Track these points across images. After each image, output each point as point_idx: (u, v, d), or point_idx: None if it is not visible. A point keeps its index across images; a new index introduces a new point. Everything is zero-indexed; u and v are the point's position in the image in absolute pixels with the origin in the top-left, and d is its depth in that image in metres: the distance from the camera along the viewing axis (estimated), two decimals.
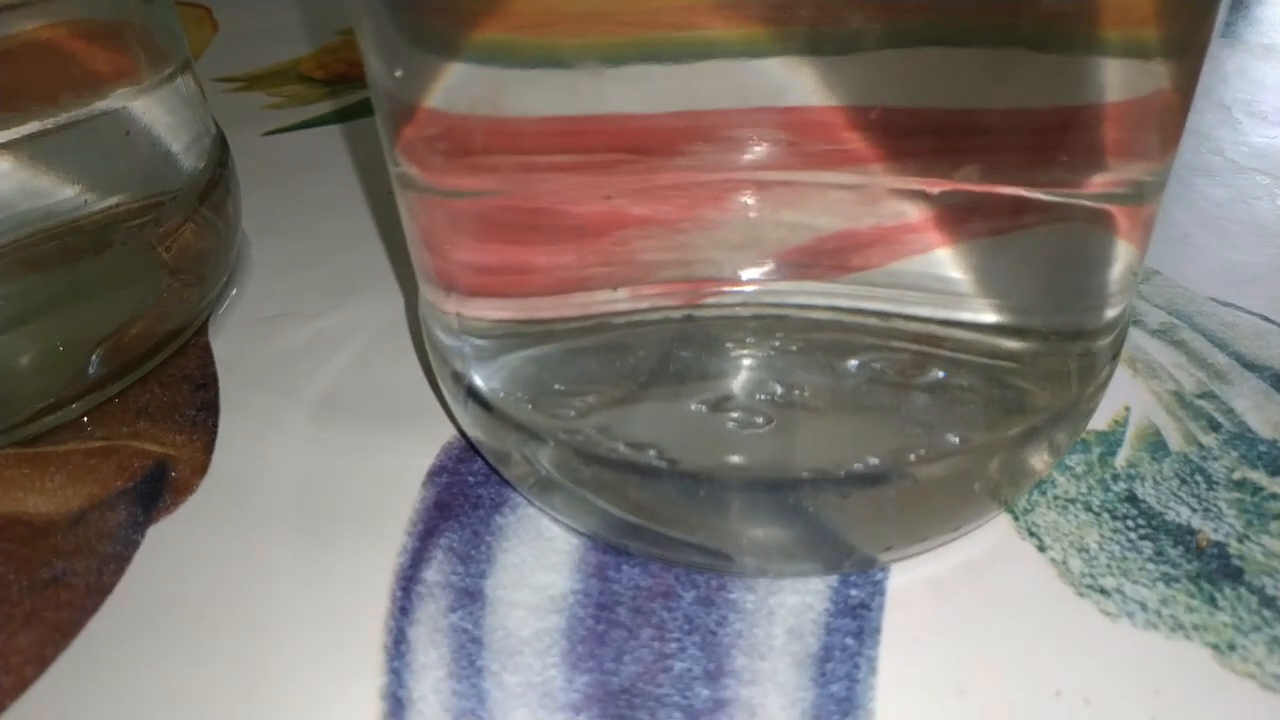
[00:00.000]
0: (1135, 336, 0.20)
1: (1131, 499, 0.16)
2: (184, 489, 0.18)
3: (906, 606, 0.15)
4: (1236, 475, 0.17)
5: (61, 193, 0.18)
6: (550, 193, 0.13)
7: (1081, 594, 0.15)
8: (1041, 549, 0.16)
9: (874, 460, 0.14)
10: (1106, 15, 0.12)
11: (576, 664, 0.14)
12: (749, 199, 0.12)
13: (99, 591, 0.16)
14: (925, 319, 0.14)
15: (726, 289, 0.13)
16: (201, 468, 0.18)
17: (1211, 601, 0.15)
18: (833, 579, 0.15)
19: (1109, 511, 0.16)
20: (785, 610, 0.15)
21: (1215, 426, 0.18)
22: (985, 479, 0.15)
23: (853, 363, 0.14)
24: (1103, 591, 0.15)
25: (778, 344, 0.14)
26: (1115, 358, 0.16)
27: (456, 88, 0.13)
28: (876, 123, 0.12)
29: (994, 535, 0.16)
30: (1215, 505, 0.16)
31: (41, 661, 0.15)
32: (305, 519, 0.17)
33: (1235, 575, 0.15)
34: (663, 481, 0.14)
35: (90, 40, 0.19)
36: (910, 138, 0.12)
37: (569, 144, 0.13)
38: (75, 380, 0.19)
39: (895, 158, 0.12)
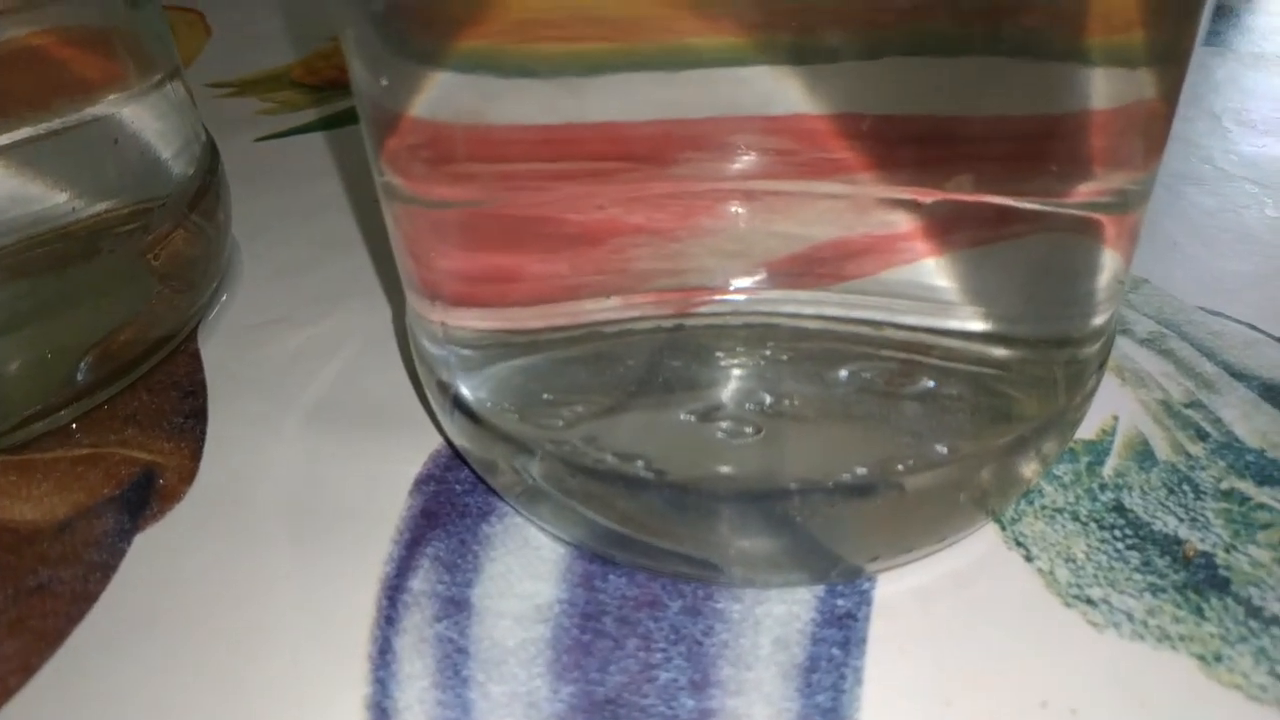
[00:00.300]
0: (1124, 345, 0.20)
1: (1119, 509, 0.16)
2: (171, 497, 0.18)
3: (893, 617, 0.15)
4: (1224, 485, 0.17)
5: (50, 199, 0.18)
6: (539, 202, 0.13)
7: (1068, 604, 0.15)
8: (1029, 559, 0.16)
9: (862, 470, 0.14)
10: (1090, 23, 0.12)
11: (562, 674, 0.14)
12: (741, 208, 0.12)
13: (84, 600, 0.16)
14: (914, 327, 0.14)
15: (718, 298, 0.13)
16: (189, 475, 0.18)
17: (1198, 612, 0.15)
18: (819, 589, 0.15)
19: (1096, 521, 0.16)
20: (772, 620, 0.15)
21: (1203, 436, 0.18)
22: (973, 489, 0.15)
23: (842, 372, 0.14)
24: (1089, 602, 0.15)
25: (768, 353, 0.14)
26: (1102, 366, 0.16)
27: (441, 96, 0.13)
28: (868, 132, 0.12)
29: (981, 545, 0.16)
30: (1202, 515, 0.16)
31: (26, 670, 0.15)
32: (292, 527, 0.17)
33: (1222, 585, 0.15)
34: (650, 492, 0.14)
35: (78, 47, 0.19)
36: (901, 147, 0.12)
37: (558, 153, 0.13)
38: (63, 387, 0.19)
39: (886, 167, 0.12)
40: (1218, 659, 0.14)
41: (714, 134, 0.12)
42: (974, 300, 0.14)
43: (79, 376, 0.19)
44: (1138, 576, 0.15)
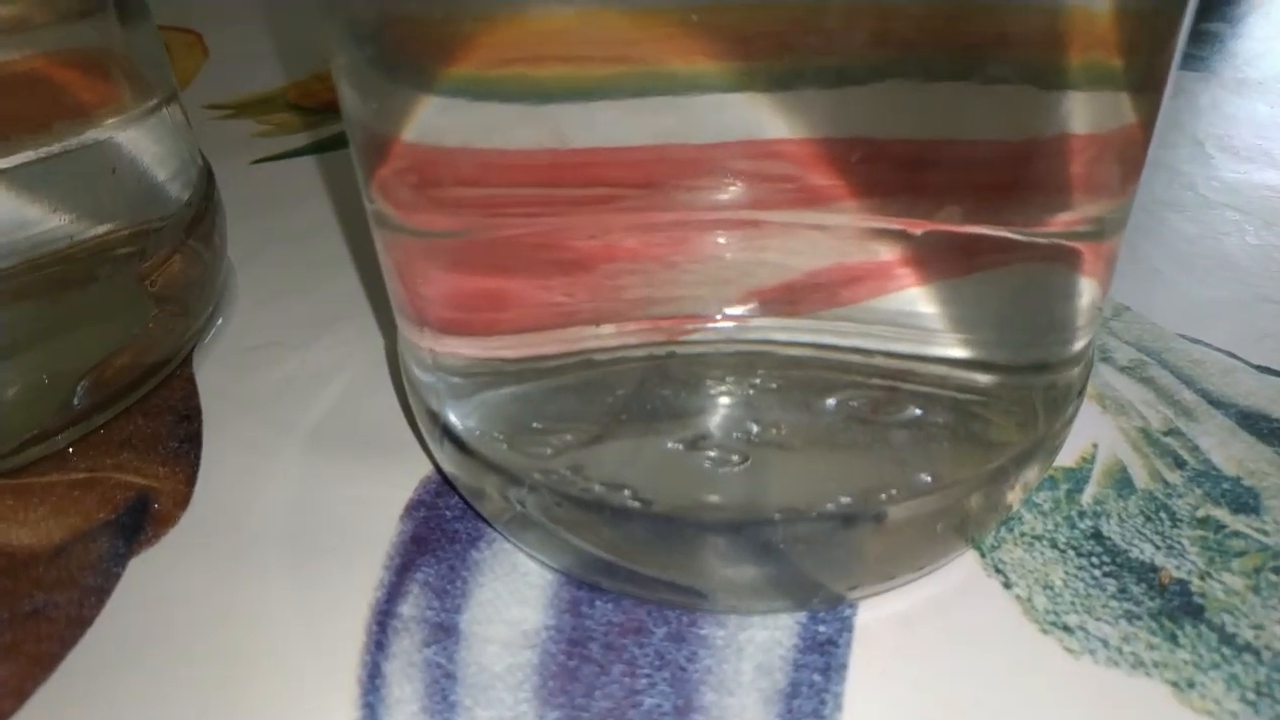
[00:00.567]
0: (1104, 373, 0.21)
1: (1097, 536, 0.17)
2: (165, 521, 0.18)
3: (873, 643, 0.15)
4: (1200, 513, 0.17)
5: (48, 223, 0.18)
6: (529, 229, 0.13)
7: (1045, 631, 0.15)
8: (1007, 586, 0.16)
9: (846, 500, 0.14)
10: (1069, 50, 0.12)
11: (548, 699, 0.14)
12: (732, 237, 0.13)
13: (79, 624, 0.16)
14: (902, 355, 0.14)
15: (708, 325, 0.14)
16: (183, 500, 0.18)
17: (1172, 639, 0.15)
18: (801, 616, 0.15)
19: (1074, 548, 0.16)
20: (754, 646, 0.15)
21: (1180, 464, 0.18)
22: (954, 517, 0.15)
23: (830, 400, 0.14)
24: (1066, 629, 0.15)
25: (757, 381, 0.14)
26: (1082, 393, 0.16)
27: (429, 122, 0.13)
28: (860, 161, 0.12)
29: (961, 572, 0.16)
30: (1178, 543, 0.16)
31: (20, 695, 0.15)
32: (284, 552, 0.17)
33: (1196, 613, 0.15)
34: (636, 522, 0.14)
35: (74, 70, 0.19)
36: (893, 177, 0.12)
37: (548, 179, 0.13)
38: (60, 411, 0.19)
39: (878, 197, 0.12)
40: (1190, 685, 0.14)
41: (706, 162, 0.12)
42: (958, 327, 0.14)
43: (75, 401, 0.19)
44: (1114, 603, 0.15)
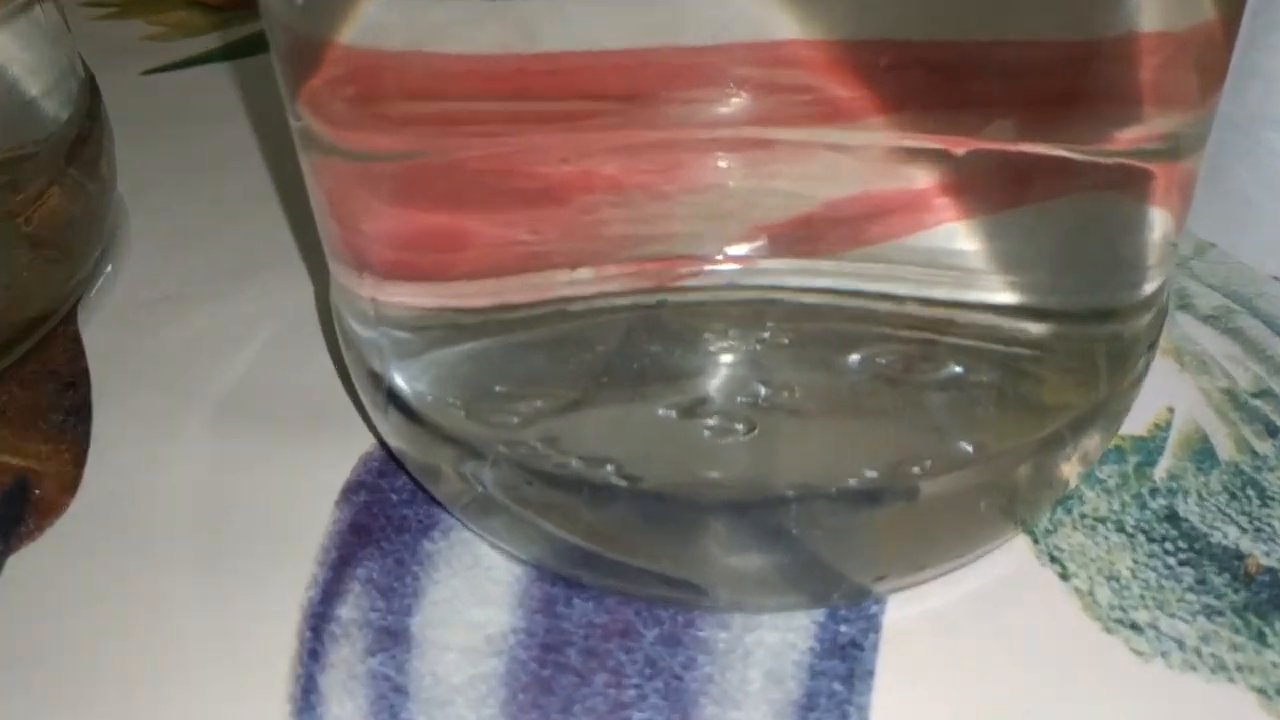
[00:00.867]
0: (1183, 324, 0.21)
1: (1172, 518, 0.17)
2: (50, 510, 0.18)
3: (905, 645, 0.15)
4: None
5: None
6: (491, 152, 0.13)
7: (1110, 630, 0.15)
8: (1064, 577, 0.16)
9: (872, 473, 0.14)
10: None
11: (518, 715, 0.15)
12: (736, 160, 0.13)
13: None
14: (939, 301, 0.14)
15: (706, 268, 0.14)
16: (71, 484, 0.19)
17: (1260, 638, 0.15)
18: (819, 614, 0.16)
19: (1145, 532, 0.17)
20: (763, 650, 0.15)
21: (1273, 431, 0.19)
22: (1001, 494, 0.15)
23: (854, 357, 0.14)
24: (1134, 627, 0.15)
25: (766, 335, 0.14)
26: (1153, 347, 0.17)
27: (370, 18, 0.13)
28: (890, 66, 0.12)
29: (1009, 561, 0.16)
30: (1269, 525, 0.17)
31: None
32: (196, 545, 0.17)
33: None
34: (622, 502, 0.14)
35: None
36: (931, 85, 0.12)
37: (514, 90, 0.13)
38: None
39: (912, 110, 0.12)
40: None
41: (702, 67, 0.12)
42: (1006, 267, 0.14)
43: None
44: (1191, 597, 0.16)
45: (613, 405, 0.15)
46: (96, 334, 0.22)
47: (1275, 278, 0.22)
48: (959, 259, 0.14)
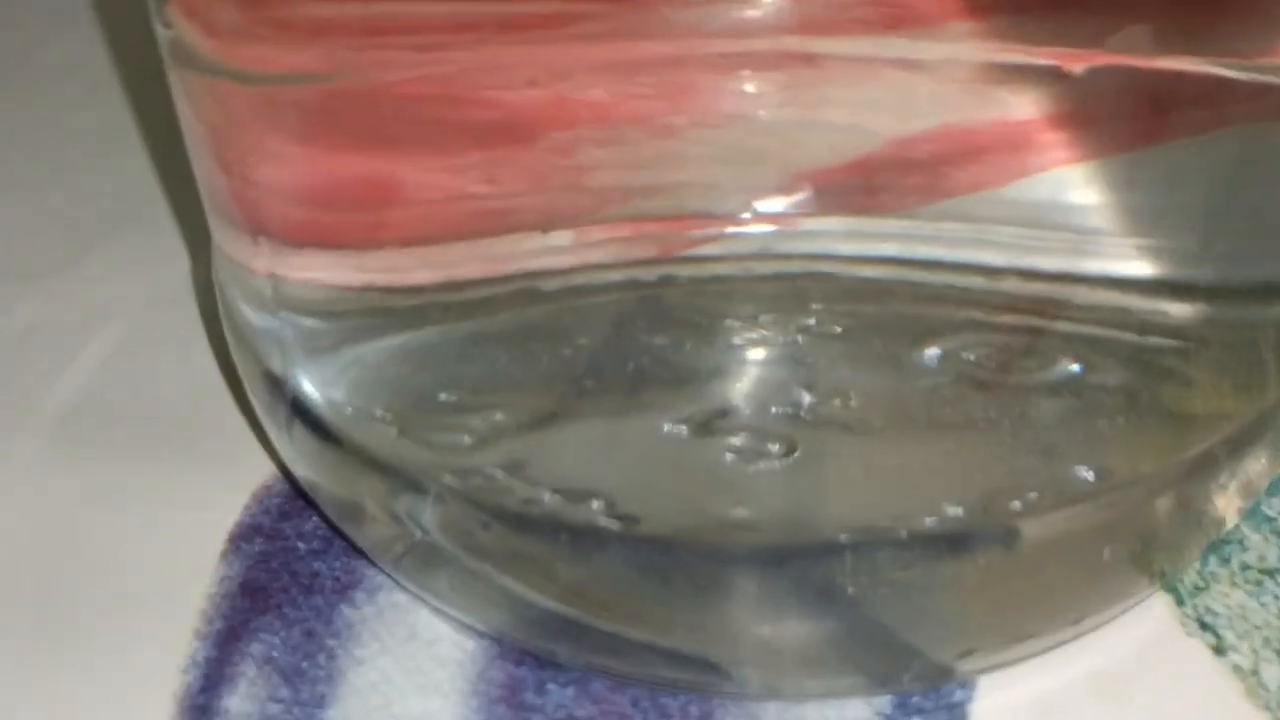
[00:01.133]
0: None
1: None
2: None
3: None
4: None
5: None
6: (431, 73, 0.13)
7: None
8: (1219, 650, 0.16)
9: (956, 511, 0.14)
10: None
11: None
12: (766, 84, 0.13)
13: None
14: (1050, 275, 0.14)
15: (728, 230, 0.14)
16: None
17: None
18: (883, 702, 0.16)
19: None
20: None
21: None
22: (1131, 537, 0.15)
23: (930, 351, 0.14)
24: None
25: (811, 323, 0.14)
26: None
27: None
28: None
29: (1142, 629, 0.16)
30: None
31: None
32: (29, 612, 0.17)
33: None
34: (613, 551, 0.14)
35: None
36: None
37: None
38: None
39: (1009, 14, 0.13)
40: None
41: None
42: (1138, 228, 0.14)
43: None
44: None
45: (599, 419, 0.15)
46: None
47: None
48: (1075, 216, 0.14)
